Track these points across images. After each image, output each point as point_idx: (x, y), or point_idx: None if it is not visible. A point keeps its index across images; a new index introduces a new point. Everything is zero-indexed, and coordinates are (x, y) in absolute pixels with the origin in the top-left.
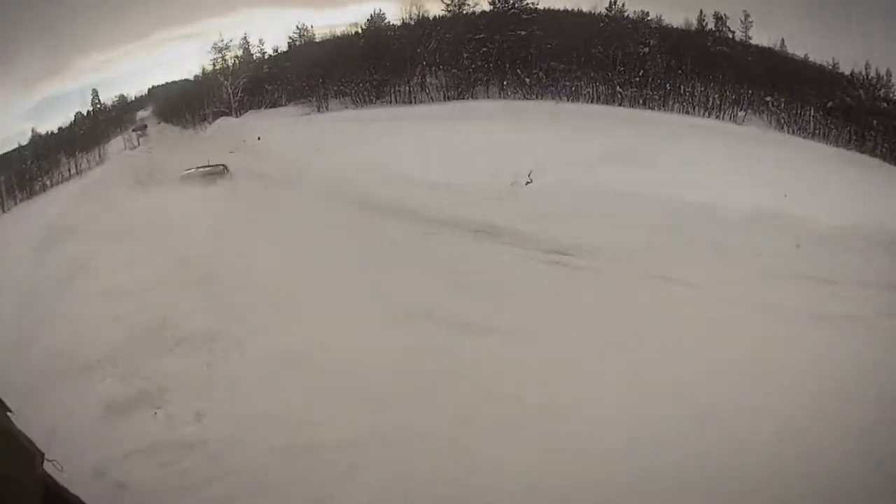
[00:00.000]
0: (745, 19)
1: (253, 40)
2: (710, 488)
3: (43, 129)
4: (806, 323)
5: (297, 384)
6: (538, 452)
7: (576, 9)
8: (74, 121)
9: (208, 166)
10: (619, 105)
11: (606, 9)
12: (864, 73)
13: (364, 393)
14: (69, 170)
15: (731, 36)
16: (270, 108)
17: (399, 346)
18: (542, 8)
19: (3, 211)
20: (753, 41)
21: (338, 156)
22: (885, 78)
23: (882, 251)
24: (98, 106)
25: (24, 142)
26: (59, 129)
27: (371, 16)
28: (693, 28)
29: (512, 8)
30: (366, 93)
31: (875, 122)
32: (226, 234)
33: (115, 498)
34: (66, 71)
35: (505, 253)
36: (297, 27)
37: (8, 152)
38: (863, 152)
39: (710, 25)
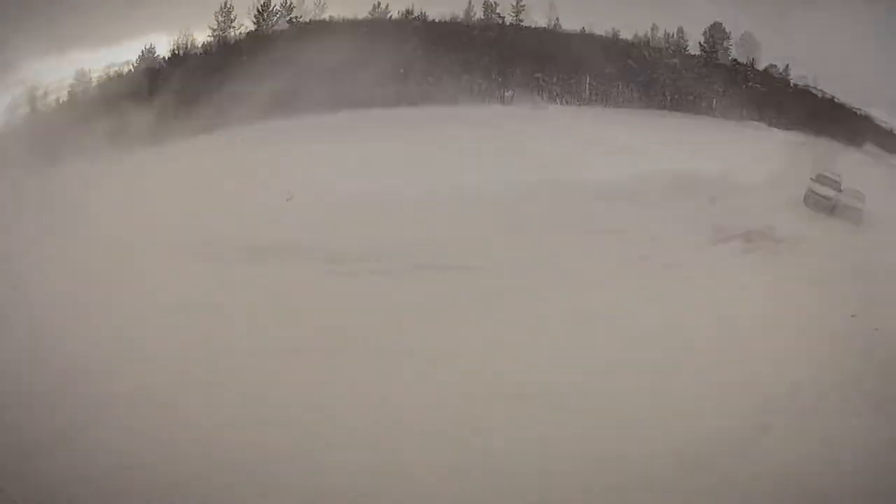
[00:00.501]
0: (517, 3)
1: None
2: None
3: None
4: None
5: None
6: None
7: (352, 17)
8: None
9: None
10: (381, 108)
11: (370, 12)
12: (649, 35)
13: None
14: None
15: (500, 22)
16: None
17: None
18: (305, 21)
19: None
20: (525, 24)
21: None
22: (674, 36)
23: (670, 191)
24: None
25: None
26: None
27: (142, 52)
28: (458, 20)
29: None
30: (142, 135)
31: (662, 77)
32: None
33: None
34: None
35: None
36: (76, 73)
37: None
38: (649, 108)
39: (479, 15)
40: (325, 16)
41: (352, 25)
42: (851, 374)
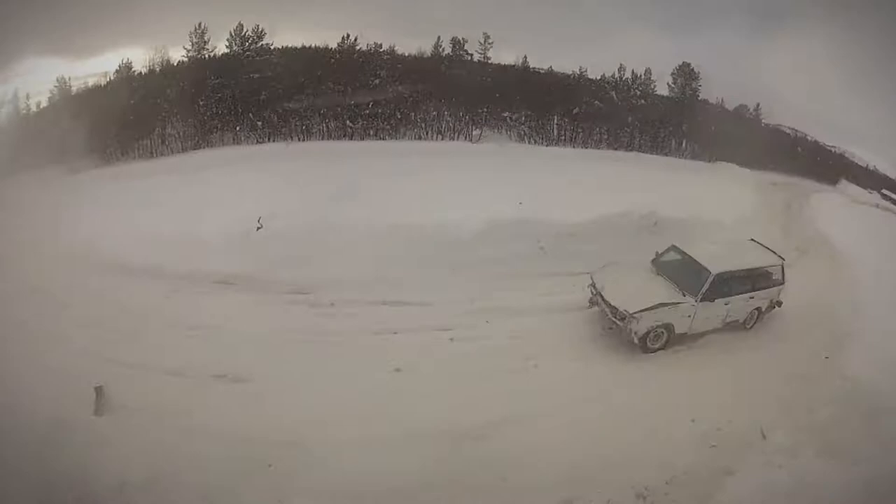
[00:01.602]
0: (485, 41)
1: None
2: None
3: None
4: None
5: None
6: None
7: (310, 45)
8: None
9: None
10: (350, 139)
11: (339, 44)
12: (616, 75)
13: None
14: None
15: (469, 58)
16: (35, 169)
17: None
18: (276, 47)
19: None
20: (493, 60)
21: (88, 218)
22: (641, 77)
23: (638, 234)
24: None
25: None
26: None
27: (119, 65)
28: (427, 55)
29: (247, 50)
30: (112, 149)
31: (630, 118)
32: None
33: None
34: None
35: (247, 300)
36: (57, 80)
37: None
38: (616, 148)
39: (448, 50)
40: (297, 44)
41: (322, 54)
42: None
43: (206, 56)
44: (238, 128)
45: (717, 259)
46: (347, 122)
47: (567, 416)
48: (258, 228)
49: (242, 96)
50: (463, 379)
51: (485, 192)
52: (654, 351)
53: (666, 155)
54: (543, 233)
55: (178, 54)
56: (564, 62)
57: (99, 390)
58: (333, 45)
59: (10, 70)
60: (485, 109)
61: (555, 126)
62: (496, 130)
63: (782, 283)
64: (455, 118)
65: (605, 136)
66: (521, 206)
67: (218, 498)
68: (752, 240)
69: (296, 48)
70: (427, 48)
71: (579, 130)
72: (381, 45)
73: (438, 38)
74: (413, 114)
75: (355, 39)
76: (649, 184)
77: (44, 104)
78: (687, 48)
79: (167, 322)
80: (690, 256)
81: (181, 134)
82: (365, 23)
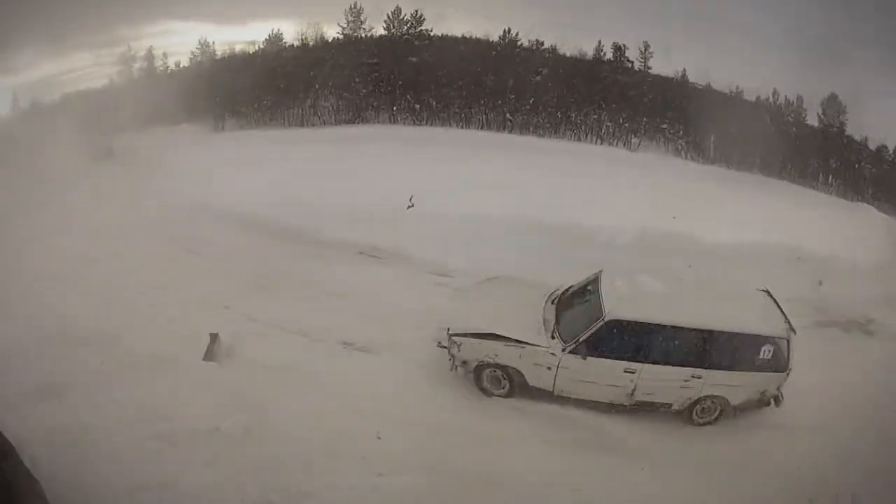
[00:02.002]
0: (645, 50)
1: (157, 53)
2: None
3: None
4: None
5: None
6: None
7: (471, 36)
8: None
9: None
10: (510, 132)
11: (500, 37)
12: (771, 99)
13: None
14: None
15: (630, 66)
16: (172, 123)
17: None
18: (436, 34)
19: None
20: (653, 71)
21: (232, 177)
22: (794, 103)
23: (780, 266)
24: None
25: None
26: None
27: (269, 36)
28: (589, 58)
29: (406, 34)
30: (260, 114)
31: (782, 144)
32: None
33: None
34: None
35: (388, 274)
36: (199, 43)
37: None
38: (768, 175)
39: (609, 55)
40: (458, 33)
41: (483, 46)
42: None
43: (363, 35)
44: (395, 108)
45: (633, 302)
46: (507, 114)
47: None
48: (409, 207)
49: (400, 78)
50: None
51: (639, 201)
52: (495, 395)
53: (814, 188)
54: (692, 250)
55: (332, 31)
56: (719, 79)
57: (214, 337)
58: (494, 38)
59: (143, 30)
60: (644, 119)
61: (711, 144)
62: (654, 141)
63: (784, 371)
64: (615, 124)
65: (758, 161)
66: (674, 220)
67: (313, 456)
68: (765, 291)
69: (455, 37)
70: (586, 51)
71: (733, 151)
72: (542, 43)
73: (599, 42)
74: (574, 115)
75: (517, 34)
76: (797, 215)
77: (184, 64)
78: (835, 79)
79: (301, 283)
80: (598, 289)
81: (334, 107)
82: (526, 19)
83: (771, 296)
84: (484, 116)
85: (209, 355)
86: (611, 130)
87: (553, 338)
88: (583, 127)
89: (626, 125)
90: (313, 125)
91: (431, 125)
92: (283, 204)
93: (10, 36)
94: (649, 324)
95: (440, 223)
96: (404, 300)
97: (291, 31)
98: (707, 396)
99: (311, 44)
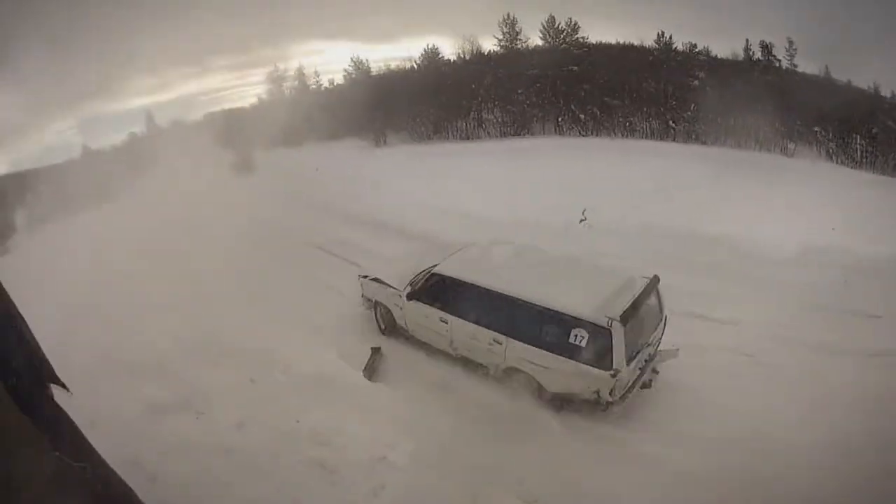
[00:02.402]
0: (790, 46)
1: (308, 72)
2: None
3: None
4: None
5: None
6: None
7: (626, 42)
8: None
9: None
10: (673, 140)
11: (655, 42)
12: None
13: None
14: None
15: (777, 65)
16: (330, 139)
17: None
18: (593, 42)
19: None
20: (799, 69)
21: (394, 190)
22: None
23: None
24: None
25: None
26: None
27: (425, 50)
28: (740, 58)
29: (563, 43)
30: (422, 128)
31: None
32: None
33: (145, 489)
34: (117, 91)
35: None
36: (353, 60)
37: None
38: None
39: (757, 55)
40: (600, 40)
41: (640, 52)
42: None
43: (520, 47)
44: (560, 119)
45: (460, 263)
46: (670, 122)
47: None
48: (582, 220)
49: (563, 88)
50: None
51: (801, 212)
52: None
53: None
54: (850, 265)
55: (487, 44)
56: (859, 76)
57: (375, 351)
58: (647, 42)
59: (287, 50)
60: (798, 122)
61: (857, 146)
62: (808, 145)
63: (608, 370)
64: (772, 128)
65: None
66: (833, 231)
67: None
68: (654, 278)
69: (610, 44)
70: (738, 50)
71: (878, 154)
72: (695, 45)
73: (747, 41)
74: (732, 120)
75: (670, 37)
76: None
77: (338, 81)
78: None
79: None
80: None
81: (499, 120)
82: (673, 21)
83: (657, 288)
84: (647, 124)
85: (369, 371)
86: (767, 136)
87: (408, 284)
88: (741, 132)
89: (782, 129)
90: (479, 138)
91: (597, 135)
92: (449, 215)
93: (156, 59)
94: (462, 281)
95: (608, 235)
96: None
97: (446, 46)
98: (515, 369)
99: (467, 57)
